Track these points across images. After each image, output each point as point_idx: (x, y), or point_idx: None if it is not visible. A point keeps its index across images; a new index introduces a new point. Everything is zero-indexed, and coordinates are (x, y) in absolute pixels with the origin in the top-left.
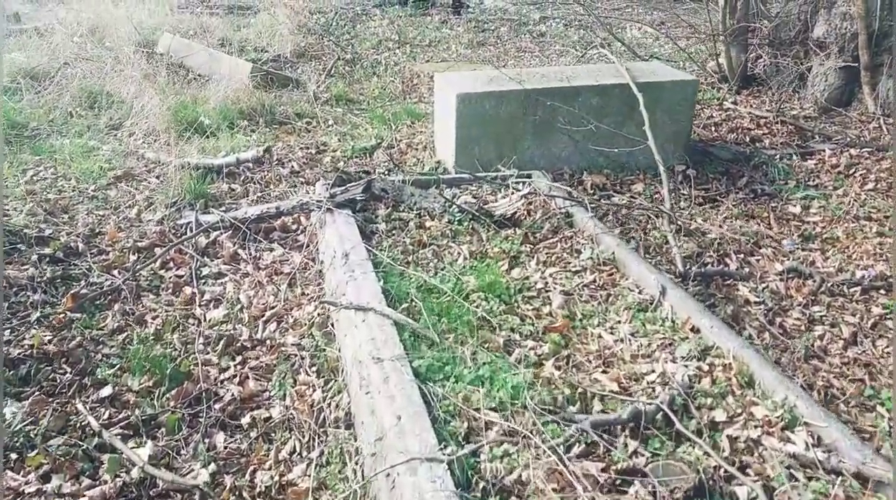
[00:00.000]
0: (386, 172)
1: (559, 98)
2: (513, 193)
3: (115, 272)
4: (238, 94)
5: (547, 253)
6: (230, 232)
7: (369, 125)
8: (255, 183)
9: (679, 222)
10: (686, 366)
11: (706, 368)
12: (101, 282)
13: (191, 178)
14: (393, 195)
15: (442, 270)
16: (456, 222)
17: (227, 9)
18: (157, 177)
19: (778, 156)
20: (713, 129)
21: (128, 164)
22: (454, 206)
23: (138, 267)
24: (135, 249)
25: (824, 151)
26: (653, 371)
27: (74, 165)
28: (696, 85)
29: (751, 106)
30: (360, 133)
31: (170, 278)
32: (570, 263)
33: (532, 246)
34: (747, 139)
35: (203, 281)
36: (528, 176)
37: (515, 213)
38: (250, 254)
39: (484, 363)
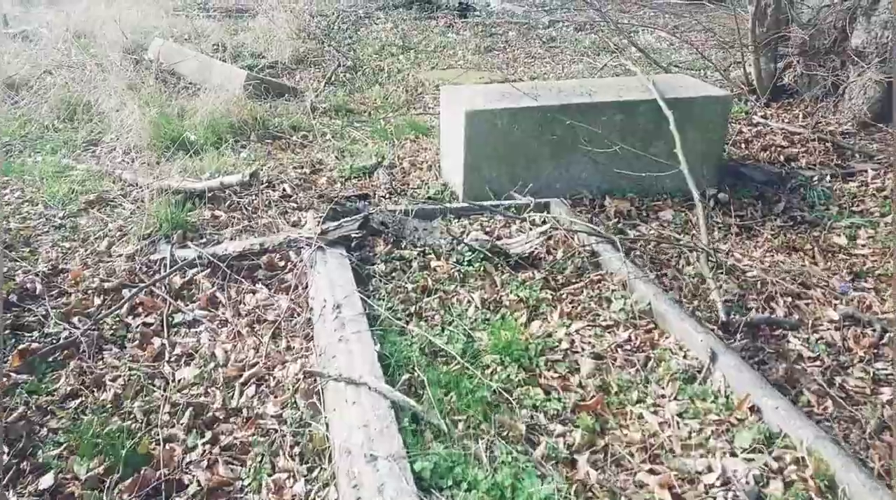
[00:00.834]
0: (387, 195)
1: (579, 115)
2: (530, 229)
3: (76, 320)
4: (229, 105)
5: (572, 302)
6: (209, 270)
7: (370, 140)
8: (241, 209)
9: (717, 259)
10: (750, 461)
11: (775, 465)
12: (58, 333)
13: (169, 205)
14: (393, 229)
15: (450, 323)
16: (465, 263)
17: (223, 11)
18: (134, 202)
19: (816, 177)
20: (743, 146)
21: (103, 186)
22: (463, 244)
23: (102, 313)
24: (100, 290)
25: (866, 171)
26: (709, 469)
27: (45, 188)
28: (730, 101)
29: (783, 121)
30: (360, 149)
31: (137, 326)
32: (599, 315)
33: (554, 293)
34: (781, 158)
35: (175, 330)
36: (546, 205)
37: (533, 251)
38: (230, 297)
39: (503, 463)
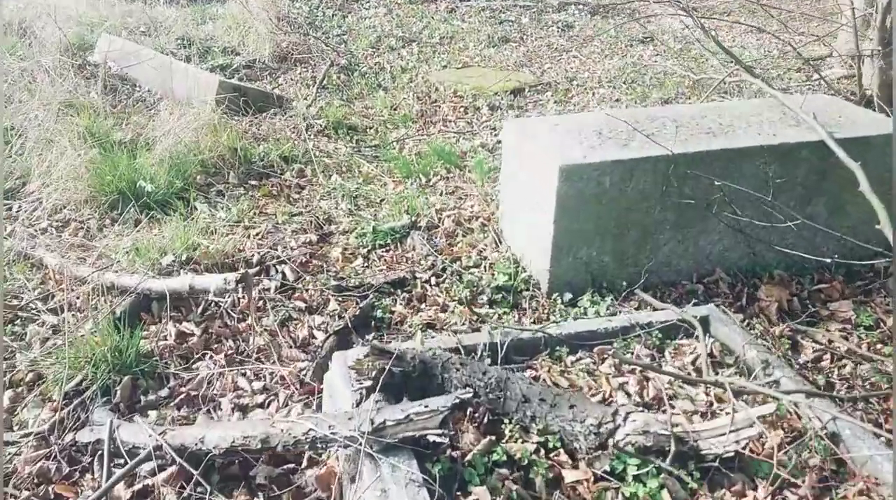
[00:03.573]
0: (433, 281)
1: (718, 166)
2: (732, 412)
3: None
4: (199, 130)
5: None
6: (175, 470)
7: (387, 177)
8: (221, 317)
9: None
10: None
11: None
12: None
13: (111, 323)
14: (488, 398)
15: None
16: (624, 471)
17: None
18: (58, 311)
19: None
20: None
21: (10, 285)
22: (621, 440)
23: None
24: None
25: None
26: None
27: None
28: None
29: None
30: (378, 194)
31: None
32: None
33: None
34: None
35: None
36: (705, 320)
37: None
38: None
39: None
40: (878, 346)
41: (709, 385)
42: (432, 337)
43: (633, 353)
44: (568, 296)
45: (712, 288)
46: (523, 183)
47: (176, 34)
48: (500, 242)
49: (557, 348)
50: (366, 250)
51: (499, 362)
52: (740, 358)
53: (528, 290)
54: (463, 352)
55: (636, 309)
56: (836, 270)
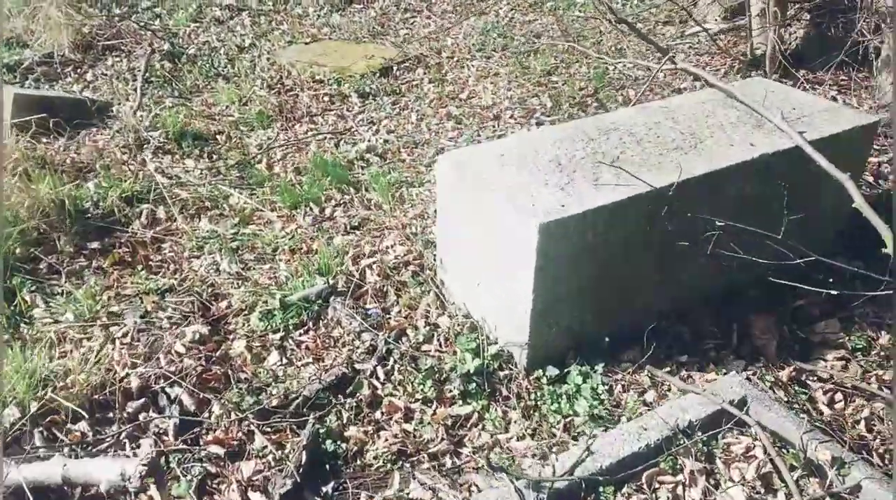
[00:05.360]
0: (383, 378)
1: (698, 193)
2: None
3: None
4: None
5: None
6: None
7: (268, 210)
8: None
9: None
10: None
11: None
12: None
13: None
14: None
15: None
16: None
17: None
18: None
19: None
20: None
21: None
22: None
23: None
24: None
25: None
26: None
27: None
28: (876, 128)
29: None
30: (265, 238)
31: None
32: None
33: None
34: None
35: None
36: (742, 403)
37: None
38: None
39: None
40: (879, 371)
41: None
42: (414, 478)
43: (681, 467)
44: (552, 371)
45: (697, 326)
46: (478, 237)
47: None
48: (446, 299)
49: (601, 489)
50: (278, 336)
51: None
52: (800, 453)
53: (501, 368)
54: None
55: (649, 386)
56: (807, 281)
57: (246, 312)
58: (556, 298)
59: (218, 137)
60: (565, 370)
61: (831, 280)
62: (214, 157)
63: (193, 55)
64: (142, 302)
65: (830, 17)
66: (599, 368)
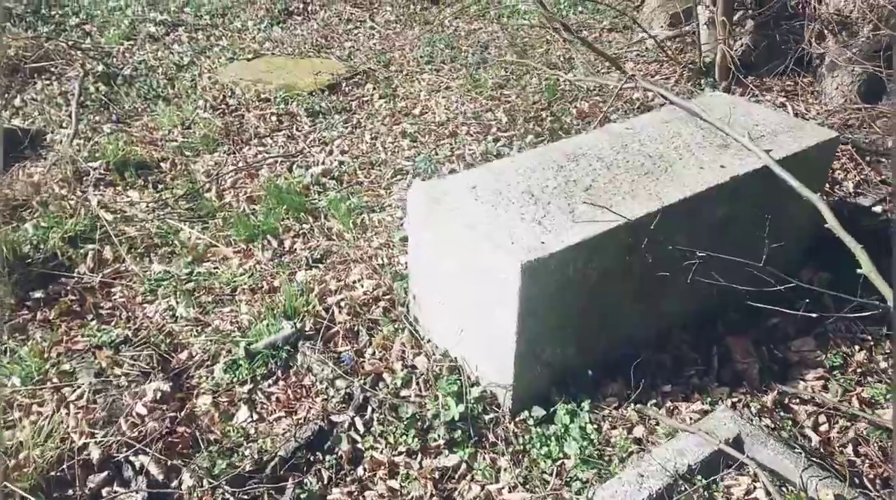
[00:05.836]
0: (364, 435)
1: (674, 219)
2: None
3: None
4: None
5: None
6: None
7: (223, 245)
8: None
9: None
10: None
11: None
12: None
13: None
14: None
15: None
16: None
17: None
18: None
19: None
20: None
21: None
22: None
23: None
24: None
25: None
26: None
27: None
28: (837, 144)
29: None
30: (222, 277)
31: None
32: None
33: None
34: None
35: None
36: (739, 442)
37: None
38: None
39: None
40: (857, 389)
41: None
42: None
43: None
44: (538, 412)
45: (677, 353)
46: (454, 274)
47: None
48: (421, 337)
49: None
50: (245, 388)
51: None
52: (801, 493)
53: (485, 411)
54: None
55: (637, 421)
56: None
57: (209, 362)
58: (538, 335)
59: (162, 164)
60: (551, 409)
61: (806, 299)
62: (160, 186)
63: (130, 76)
64: (95, 358)
65: (774, 24)
66: (586, 405)
